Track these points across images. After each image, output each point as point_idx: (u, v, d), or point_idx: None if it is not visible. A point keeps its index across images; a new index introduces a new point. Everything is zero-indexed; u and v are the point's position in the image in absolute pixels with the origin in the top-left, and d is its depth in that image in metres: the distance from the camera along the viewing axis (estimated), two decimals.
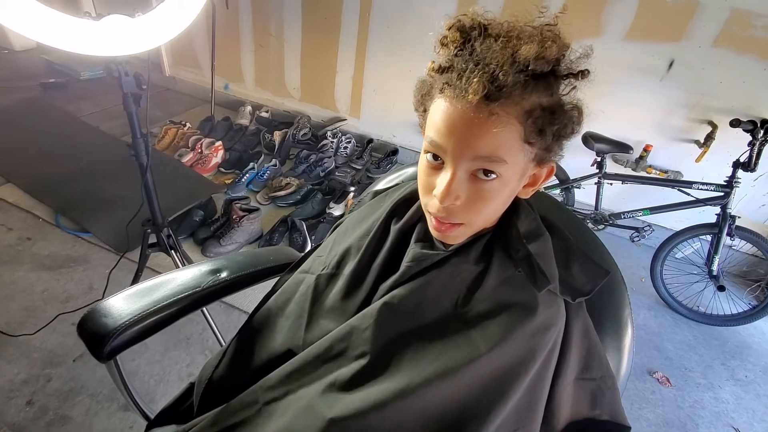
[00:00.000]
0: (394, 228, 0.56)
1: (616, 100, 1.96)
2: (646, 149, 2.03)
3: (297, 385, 0.50)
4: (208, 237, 1.76)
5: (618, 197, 2.17)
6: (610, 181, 1.96)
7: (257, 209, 1.82)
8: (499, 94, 0.40)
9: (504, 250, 0.52)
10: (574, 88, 0.46)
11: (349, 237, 0.60)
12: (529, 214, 0.53)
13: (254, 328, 0.59)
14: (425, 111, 0.48)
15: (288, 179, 2.15)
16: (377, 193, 0.69)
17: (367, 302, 0.53)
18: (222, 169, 2.21)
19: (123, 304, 0.50)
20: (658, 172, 2.05)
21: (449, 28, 0.44)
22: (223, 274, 0.60)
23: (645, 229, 1.97)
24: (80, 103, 2.70)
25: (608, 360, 0.54)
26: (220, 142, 2.25)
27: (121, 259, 1.48)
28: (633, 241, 2.02)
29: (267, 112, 2.68)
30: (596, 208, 2.02)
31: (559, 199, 2.12)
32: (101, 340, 0.46)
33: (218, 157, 2.22)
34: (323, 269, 0.58)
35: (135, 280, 1.31)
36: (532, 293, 0.49)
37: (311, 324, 0.55)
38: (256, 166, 2.19)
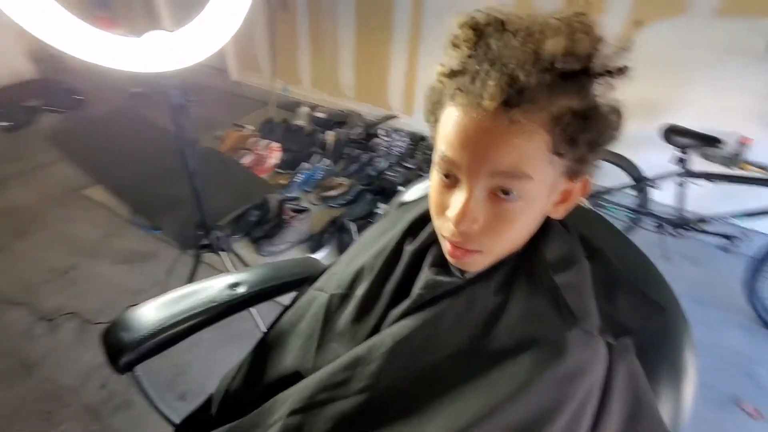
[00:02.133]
0: (407, 249, 0.51)
1: (703, 87, 1.70)
2: (743, 142, 1.74)
3: (303, 414, 0.48)
4: (262, 237, 1.83)
5: (706, 198, 1.89)
6: (695, 180, 1.71)
7: (307, 209, 1.86)
8: (520, 98, 0.34)
9: (529, 278, 0.45)
10: (611, 87, 0.38)
11: (365, 254, 0.56)
12: (559, 237, 0.46)
13: (268, 344, 0.59)
14: (437, 121, 0.43)
15: (339, 179, 2.17)
16: (402, 204, 0.65)
17: (377, 328, 0.49)
18: (279, 170, 2.29)
19: (142, 319, 0.52)
20: (757, 169, 1.75)
21: (461, 26, 0.39)
22: (241, 289, 0.60)
23: (739, 236, 1.69)
24: (160, 110, 2.96)
25: (661, 415, 0.45)
26: (276, 144, 2.33)
27: (182, 257, 1.59)
28: (724, 250, 1.75)
29: (323, 112, 2.73)
30: (678, 211, 1.77)
31: (631, 199, 1.90)
32: (118, 354, 0.48)
33: (275, 158, 2.30)
34: (336, 289, 0.55)
35: (190, 279, 1.39)
36: (561, 331, 0.42)
37: (322, 346, 0.53)
38: (309, 166, 2.24)
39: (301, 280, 0.65)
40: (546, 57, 0.34)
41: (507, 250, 0.45)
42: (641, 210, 1.86)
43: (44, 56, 3.00)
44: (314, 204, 2.10)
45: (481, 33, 0.38)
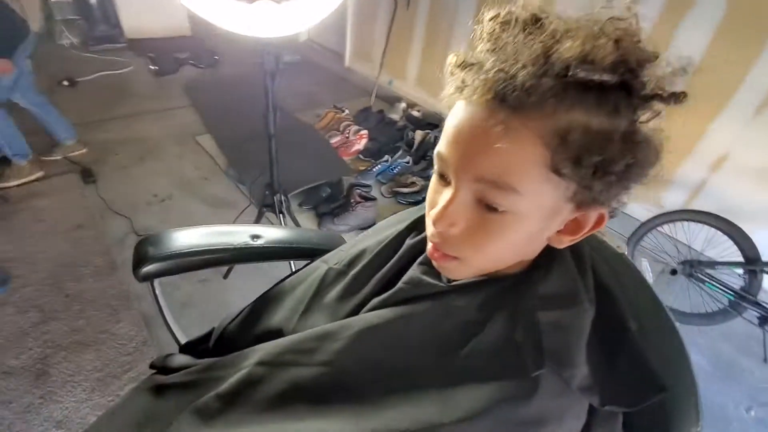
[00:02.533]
0: (408, 242, 0.51)
1: None
2: None
3: (269, 367, 0.50)
4: (327, 213, 1.92)
5: None
6: None
7: (374, 198, 1.90)
8: (518, 101, 0.31)
9: (516, 306, 0.41)
10: (658, 115, 0.33)
11: (373, 238, 0.57)
12: (565, 272, 0.41)
13: (268, 299, 0.62)
14: None
15: (415, 178, 2.18)
16: None
17: (357, 311, 0.50)
18: (361, 156, 2.37)
19: (170, 241, 0.59)
20: None
21: (490, 19, 0.36)
22: (260, 242, 0.64)
23: None
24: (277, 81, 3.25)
25: None
26: (365, 131, 2.41)
27: (250, 210, 1.75)
28: None
29: (419, 111, 2.76)
30: None
31: (737, 280, 1.60)
32: (140, 262, 0.55)
33: (360, 144, 2.39)
34: (336, 263, 0.57)
35: None
36: (534, 372, 0.38)
37: (306, 313, 0.55)
38: (390, 159, 2.28)
39: (319, 250, 0.68)
40: (557, 60, 0.30)
41: (490, 266, 0.42)
42: (747, 296, 1.56)
43: (199, 18, 3.48)
44: (384, 196, 2.14)
45: (506, 28, 0.34)
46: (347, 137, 2.42)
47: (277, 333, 0.56)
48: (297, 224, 1.54)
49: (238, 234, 0.64)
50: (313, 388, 0.44)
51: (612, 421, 0.40)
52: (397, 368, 0.43)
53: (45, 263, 1.57)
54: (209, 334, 0.69)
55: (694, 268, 1.65)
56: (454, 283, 0.43)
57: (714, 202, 1.79)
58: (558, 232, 0.39)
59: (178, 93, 2.87)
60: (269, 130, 1.18)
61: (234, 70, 3.30)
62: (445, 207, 0.37)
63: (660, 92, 0.32)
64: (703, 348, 1.61)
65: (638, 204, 2.05)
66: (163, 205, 1.95)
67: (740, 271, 1.62)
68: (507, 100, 0.31)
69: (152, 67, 2.88)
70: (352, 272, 0.53)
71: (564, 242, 0.40)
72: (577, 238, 0.39)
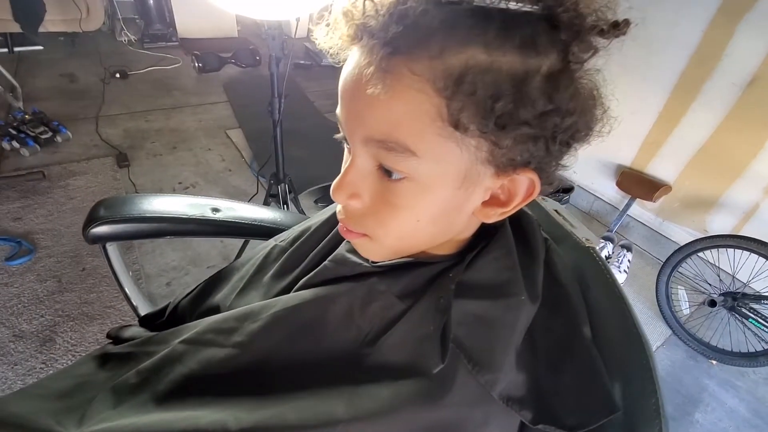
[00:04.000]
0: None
1: None
2: None
3: (189, 345, 0.47)
4: None
5: None
6: None
7: None
8: (396, 36, 0.25)
9: (439, 292, 0.36)
10: (596, 52, 0.27)
11: (322, 215, 0.53)
12: (500, 258, 0.35)
13: (219, 276, 0.60)
14: None
15: None
16: None
17: (288, 289, 0.46)
18: None
19: (124, 205, 0.58)
20: None
21: None
22: (218, 215, 0.62)
23: None
24: (312, 82, 3.31)
25: None
26: None
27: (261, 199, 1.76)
28: None
29: None
30: None
31: None
32: (89, 223, 0.55)
33: None
34: (282, 240, 0.53)
35: None
36: (450, 371, 0.32)
37: (243, 290, 0.52)
38: None
39: (279, 230, 0.64)
40: None
41: (405, 246, 0.36)
42: None
43: (246, 20, 3.63)
44: None
45: None
46: None
47: (215, 310, 0.53)
48: (302, 213, 1.53)
49: (199, 206, 0.62)
50: (222, 371, 0.41)
51: None
52: (309, 356, 0.38)
53: (70, 237, 1.66)
54: (166, 308, 0.67)
55: (737, 300, 1.47)
56: (379, 263, 0.38)
57: (767, 229, 1.59)
58: (483, 203, 0.33)
59: (217, 89, 2.99)
60: (274, 117, 1.17)
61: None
62: (343, 176, 0.33)
63: (598, 23, 0.26)
64: (742, 392, 1.42)
65: (678, 226, 1.87)
66: (185, 193, 2.01)
67: None
68: (382, 38, 0.26)
69: (197, 64, 3.02)
70: (291, 249, 0.49)
71: (492, 216, 0.34)
72: (509, 210, 0.33)
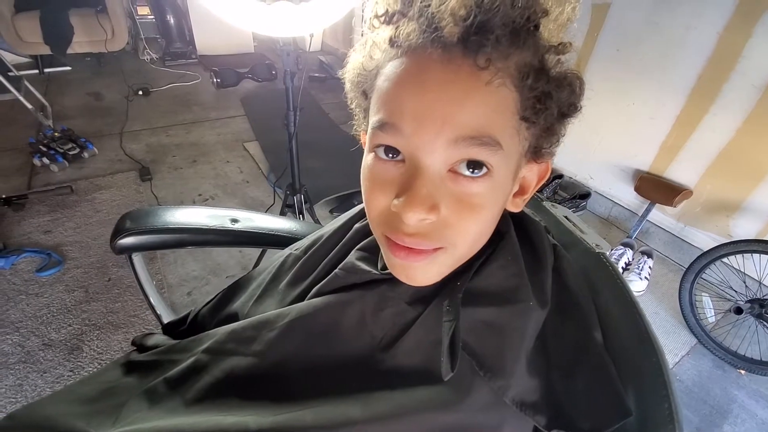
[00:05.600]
0: (356, 226, 0.47)
1: None
2: None
3: (212, 355, 0.49)
4: None
5: None
6: None
7: None
8: (485, 35, 0.27)
9: (450, 299, 0.37)
10: (559, 62, 0.30)
11: (335, 224, 0.55)
12: (508, 265, 0.36)
13: (238, 284, 0.62)
14: (365, 95, 0.36)
15: None
16: None
17: (302, 297, 0.47)
18: None
19: (149, 217, 0.60)
20: None
21: None
22: (237, 225, 0.64)
23: None
24: (327, 94, 3.38)
25: None
26: None
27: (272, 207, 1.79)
28: None
29: None
30: None
31: None
32: (116, 234, 0.57)
33: None
34: (297, 249, 0.55)
35: None
36: (467, 377, 0.33)
37: (260, 298, 0.53)
38: None
39: (295, 240, 0.66)
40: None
41: (470, 252, 0.35)
42: None
43: (262, 36, 3.74)
44: None
45: None
46: None
47: (234, 318, 0.55)
48: (317, 223, 1.56)
49: (219, 217, 0.65)
50: (246, 378, 0.43)
51: None
52: (324, 361, 0.40)
53: (96, 249, 1.72)
54: (188, 316, 0.70)
55: (765, 308, 1.42)
56: (388, 270, 0.39)
57: None
58: (514, 194, 0.34)
59: (235, 103, 3.08)
60: (290, 130, 1.20)
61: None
62: (415, 191, 0.29)
63: (553, 43, 0.30)
64: None
65: (701, 231, 1.82)
66: (205, 204, 2.06)
67: None
68: (476, 37, 0.27)
69: (215, 80, 3.12)
70: (304, 257, 0.51)
71: (519, 205, 0.35)
72: (528, 196, 0.35)
